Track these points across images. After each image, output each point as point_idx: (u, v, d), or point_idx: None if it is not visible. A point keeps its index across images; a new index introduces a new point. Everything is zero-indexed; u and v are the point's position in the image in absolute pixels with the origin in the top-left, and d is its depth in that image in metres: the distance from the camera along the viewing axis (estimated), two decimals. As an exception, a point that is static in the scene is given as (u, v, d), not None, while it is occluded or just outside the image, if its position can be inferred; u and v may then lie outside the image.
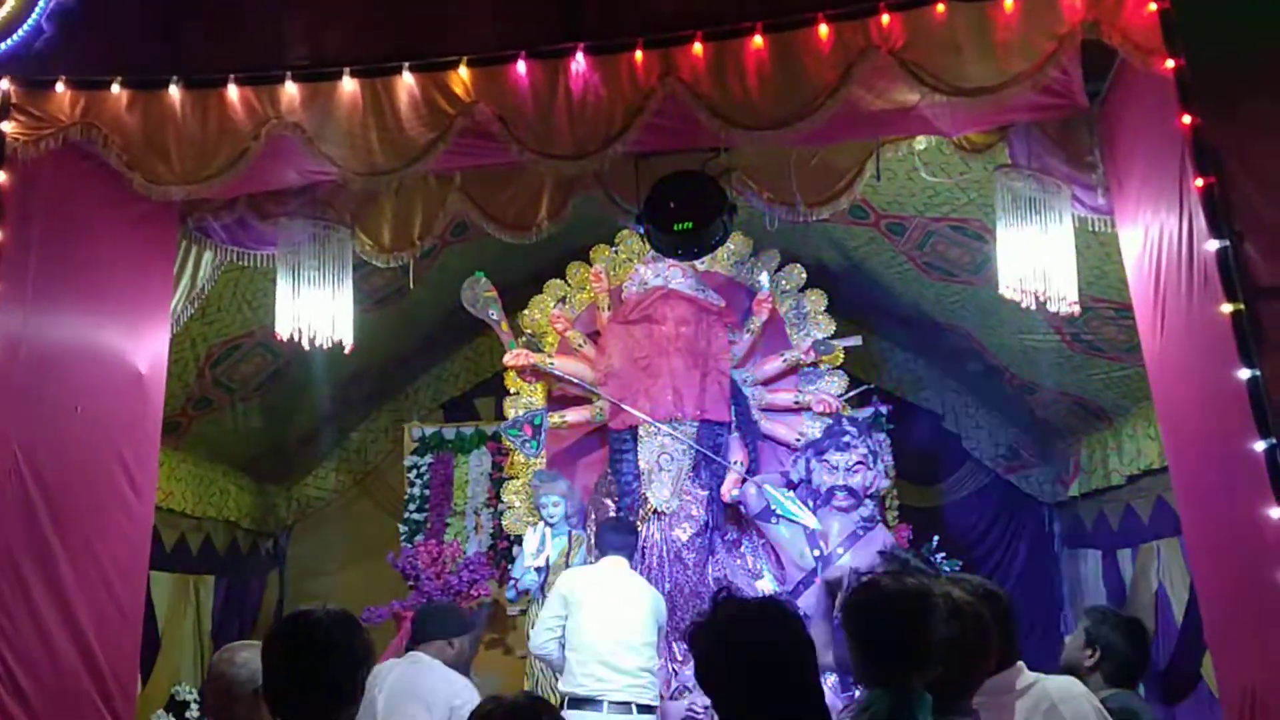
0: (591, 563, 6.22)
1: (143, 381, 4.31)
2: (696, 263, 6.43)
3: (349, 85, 3.87)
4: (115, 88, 3.95)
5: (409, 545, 6.88)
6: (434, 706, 4.16)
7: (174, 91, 3.95)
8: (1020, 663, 3.05)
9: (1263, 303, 3.20)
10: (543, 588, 6.12)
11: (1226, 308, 3.18)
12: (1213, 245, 3.23)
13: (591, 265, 6.79)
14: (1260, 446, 3.07)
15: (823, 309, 6.67)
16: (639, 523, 6.11)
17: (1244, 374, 3.12)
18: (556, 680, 5.55)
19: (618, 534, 5.63)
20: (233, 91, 3.93)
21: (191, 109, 3.95)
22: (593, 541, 5.98)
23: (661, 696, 5.80)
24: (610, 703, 5.10)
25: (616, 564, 5.47)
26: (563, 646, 5.31)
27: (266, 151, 3.92)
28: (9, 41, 3.97)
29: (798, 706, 2.32)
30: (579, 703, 5.11)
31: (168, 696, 6.06)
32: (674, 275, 6.41)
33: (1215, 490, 3.42)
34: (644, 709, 5.18)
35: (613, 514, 6.01)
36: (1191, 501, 3.68)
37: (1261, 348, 3.15)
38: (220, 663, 3.44)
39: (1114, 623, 3.91)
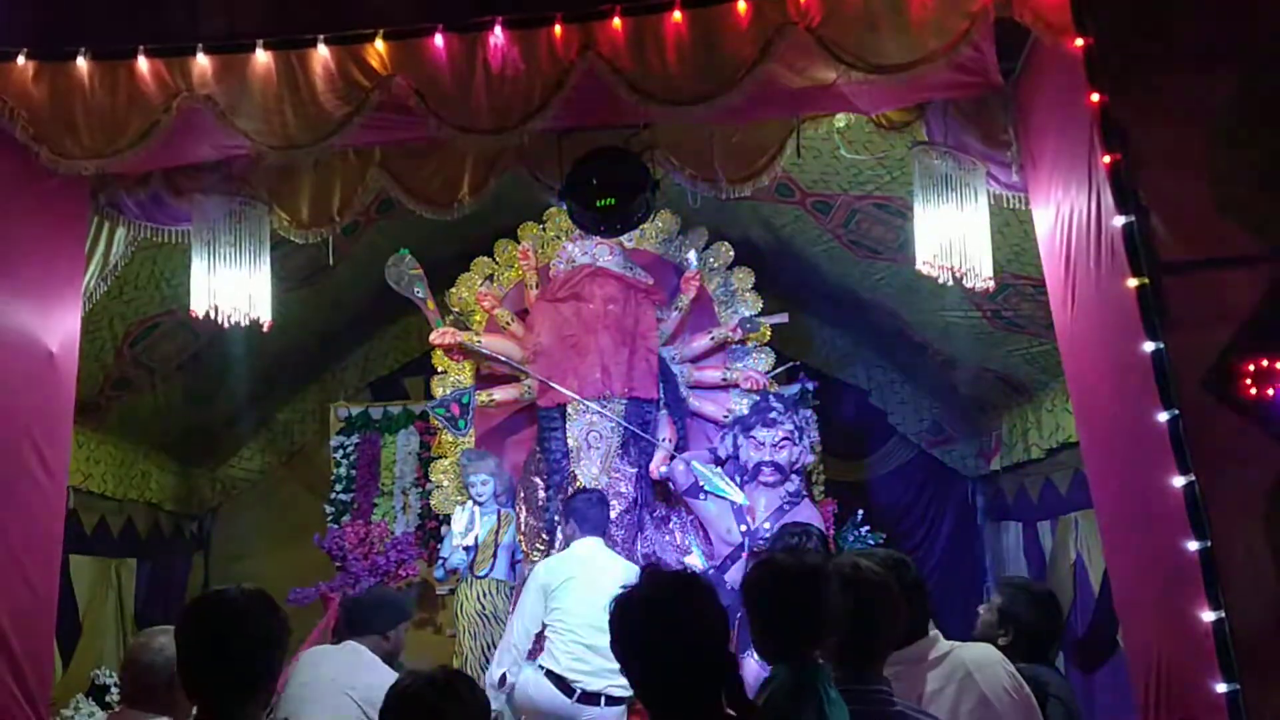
0: (521, 541, 6.23)
1: (53, 360, 4.21)
2: (624, 240, 6.44)
3: (262, 58, 3.79)
4: (20, 60, 3.83)
5: (336, 526, 6.81)
6: (369, 705, 4.12)
7: (82, 63, 3.84)
8: (935, 632, 3.11)
9: (1167, 277, 3.26)
10: (471, 566, 6.11)
11: (1132, 282, 3.24)
12: (1119, 221, 3.28)
13: (519, 243, 6.76)
14: (1164, 417, 3.14)
15: (750, 286, 6.71)
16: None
17: (1149, 347, 3.19)
18: (488, 661, 5.56)
19: (595, 508, 5.60)
20: (143, 64, 3.82)
21: (100, 81, 3.84)
22: (560, 516, 5.91)
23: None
24: (583, 692, 5.10)
25: (593, 545, 5.46)
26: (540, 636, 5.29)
27: (178, 125, 3.83)
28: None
29: (714, 677, 2.35)
30: (555, 678, 5.14)
31: (89, 681, 5.96)
32: (602, 253, 6.41)
33: (1122, 461, 3.50)
34: (612, 701, 5.16)
35: (577, 491, 5.92)
36: (1100, 472, 3.77)
37: (1165, 321, 3.21)
38: (137, 648, 3.42)
39: (1027, 599, 3.99)
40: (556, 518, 6.13)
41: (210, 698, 2.53)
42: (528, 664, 5.26)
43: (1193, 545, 3.06)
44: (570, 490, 6.14)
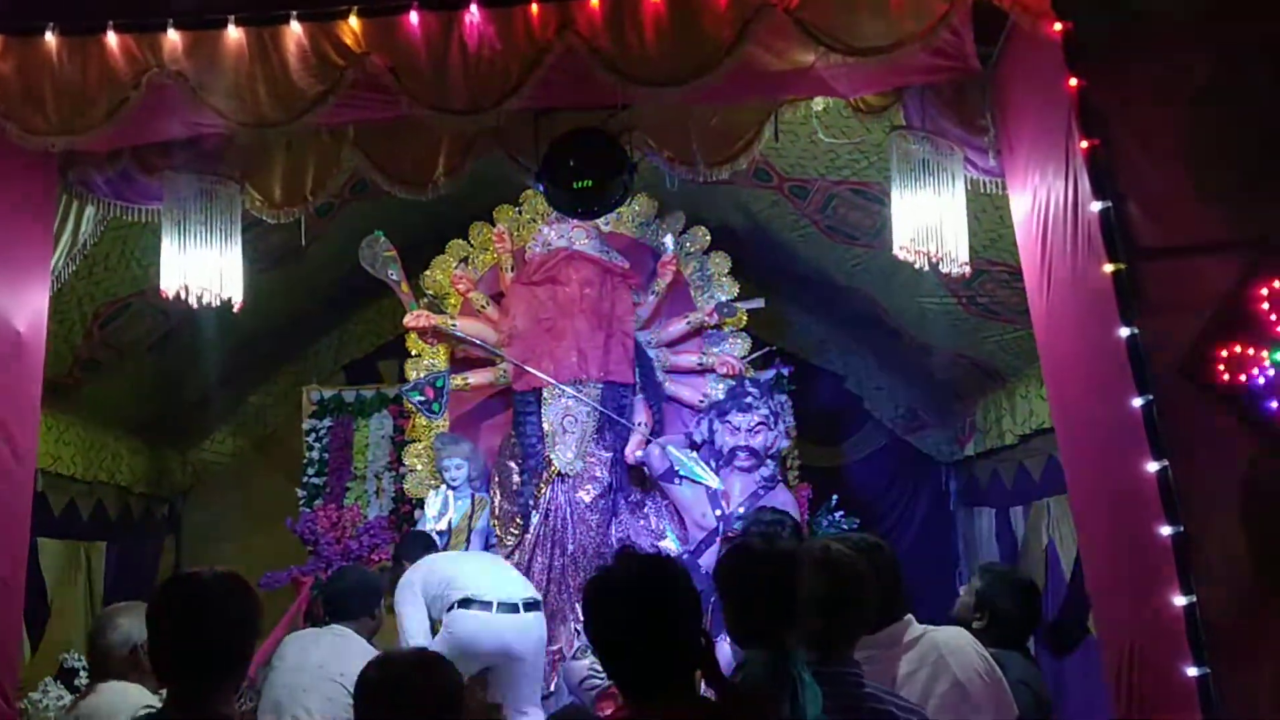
0: (495, 526, 6.22)
1: (21, 341, 4.14)
2: (601, 224, 6.42)
3: (234, 34, 3.73)
4: (-13, 35, 3.78)
5: (308, 510, 6.77)
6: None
7: (50, 38, 3.78)
8: (909, 615, 3.12)
9: (1143, 263, 3.27)
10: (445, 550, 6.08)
11: (1108, 268, 3.25)
12: (1096, 207, 3.29)
13: (495, 225, 6.72)
14: (1138, 403, 3.16)
15: (727, 271, 6.71)
16: (543, 485, 6.11)
17: (1124, 332, 3.20)
18: None
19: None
20: (112, 39, 3.76)
21: (69, 56, 3.78)
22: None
23: (563, 656, 5.84)
24: (501, 602, 5.09)
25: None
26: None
27: (148, 101, 3.77)
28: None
29: (688, 657, 2.34)
30: (467, 602, 5.10)
31: (57, 664, 5.90)
32: (578, 236, 6.39)
33: (1096, 445, 3.51)
34: (530, 605, 5.22)
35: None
36: (1074, 457, 3.78)
37: (1141, 307, 3.22)
38: (97, 630, 3.48)
39: (1007, 586, 4.00)
40: (531, 502, 6.12)
41: (181, 680, 2.51)
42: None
43: (1165, 530, 3.07)
44: (545, 474, 6.13)
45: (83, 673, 5.75)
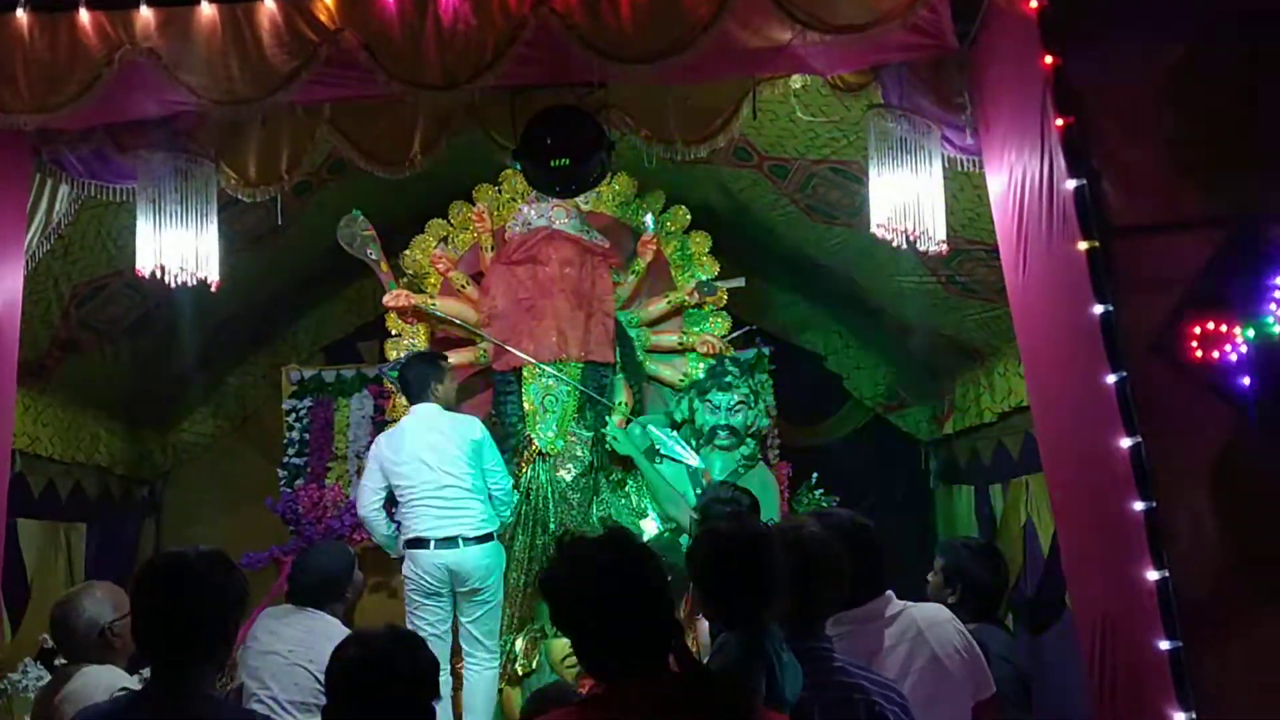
0: None
1: (-5, 321, 4.13)
2: (581, 203, 6.39)
3: (207, 10, 3.72)
4: (-42, 11, 3.75)
5: (289, 490, 6.75)
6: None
7: (21, 15, 3.76)
8: (889, 591, 3.14)
9: (1117, 241, 3.30)
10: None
11: (1083, 245, 3.28)
12: (1071, 184, 3.32)
13: (475, 205, 6.68)
14: (1111, 379, 3.19)
15: (707, 251, 6.69)
16: (523, 464, 6.11)
17: (1098, 310, 3.23)
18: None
19: (413, 369, 5.79)
20: (84, 15, 3.75)
21: (40, 33, 3.76)
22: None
23: (544, 633, 5.86)
24: (436, 540, 5.42)
25: (422, 411, 5.64)
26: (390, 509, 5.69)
27: (121, 79, 3.76)
28: None
29: (654, 636, 2.35)
30: (413, 543, 5.50)
31: (37, 645, 5.88)
32: (558, 215, 6.36)
33: (1071, 421, 3.54)
34: (471, 540, 5.45)
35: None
36: (1049, 434, 3.81)
37: (1115, 284, 3.26)
38: (59, 614, 3.52)
39: (968, 554, 4.05)
40: (512, 481, 6.11)
41: (165, 659, 2.52)
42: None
43: (1138, 506, 3.11)
44: (525, 454, 6.12)
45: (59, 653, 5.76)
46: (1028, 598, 5.91)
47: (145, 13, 3.74)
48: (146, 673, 4.75)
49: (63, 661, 3.82)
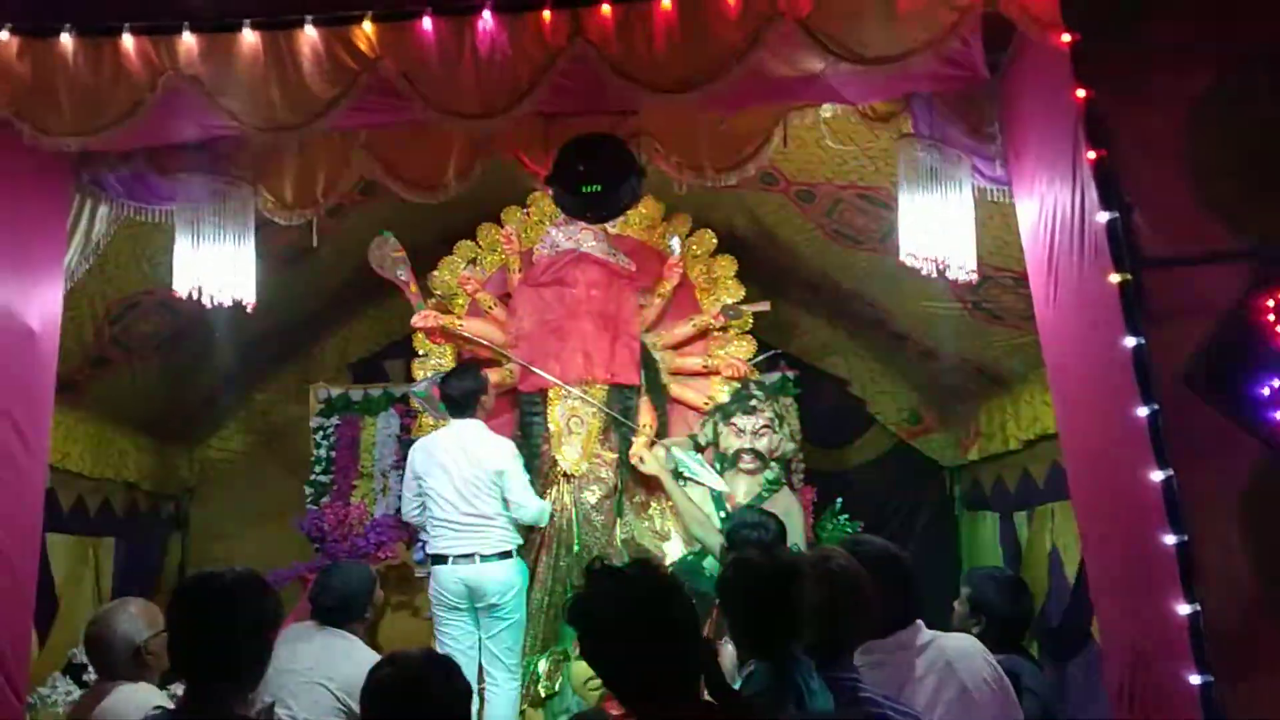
0: None
1: (35, 338, 4.18)
2: (608, 226, 6.43)
3: (249, 37, 3.77)
4: (3, 34, 3.80)
5: (315, 507, 6.80)
6: (350, 696, 4.11)
7: (66, 39, 3.81)
8: (919, 621, 3.15)
9: (1148, 273, 3.29)
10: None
11: (1115, 278, 3.27)
12: (1103, 217, 3.31)
13: (503, 227, 6.74)
14: (1143, 412, 3.18)
15: (732, 274, 6.72)
16: (548, 485, 6.13)
17: (1129, 342, 3.22)
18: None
19: (447, 385, 5.90)
20: (128, 41, 3.80)
21: (84, 58, 3.81)
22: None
23: (568, 656, 5.87)
24: (454, 556, 5.59)
25: (462, 429, 5.76)
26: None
27: (163, 104, 3.81)
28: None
29: (679, 670, 2.37)
30: (435, 559, 5.70)
31: (65, 660, 5.93)
32: (586, 238, 6.40)
33: (1101, 454, 3.54)
34: (490, 557, 5.58)
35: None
36: (1079, 465, 3.80)
37: (1146, 317, 3.25)
38: (95, 630, 3.53)
39: (993, 584, 4.05)
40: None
41: (200, 679, 2.54)
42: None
43: (1169, 539, 3.09)
44: (550, 475, 6.15)
45: (91, 669, 5.80)
46: (1052, 627, 5.88)
47: (188, 38, 3.79)
48: (176, 689, 4.82)
49: (95, 678, 3.86)
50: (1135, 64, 3.48)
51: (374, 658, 4.18)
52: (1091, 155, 3.36)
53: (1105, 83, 3.42)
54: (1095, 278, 3.37)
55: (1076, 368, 3.67)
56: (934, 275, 4.33)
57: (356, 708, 3.99)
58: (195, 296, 4.37)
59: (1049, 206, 3.68)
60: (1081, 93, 3.40)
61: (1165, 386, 3.20)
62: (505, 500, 5.67)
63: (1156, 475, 3.14)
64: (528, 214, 6.79)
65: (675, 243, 6.65)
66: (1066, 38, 3.45)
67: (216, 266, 4.35)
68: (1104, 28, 3.47)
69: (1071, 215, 3.49)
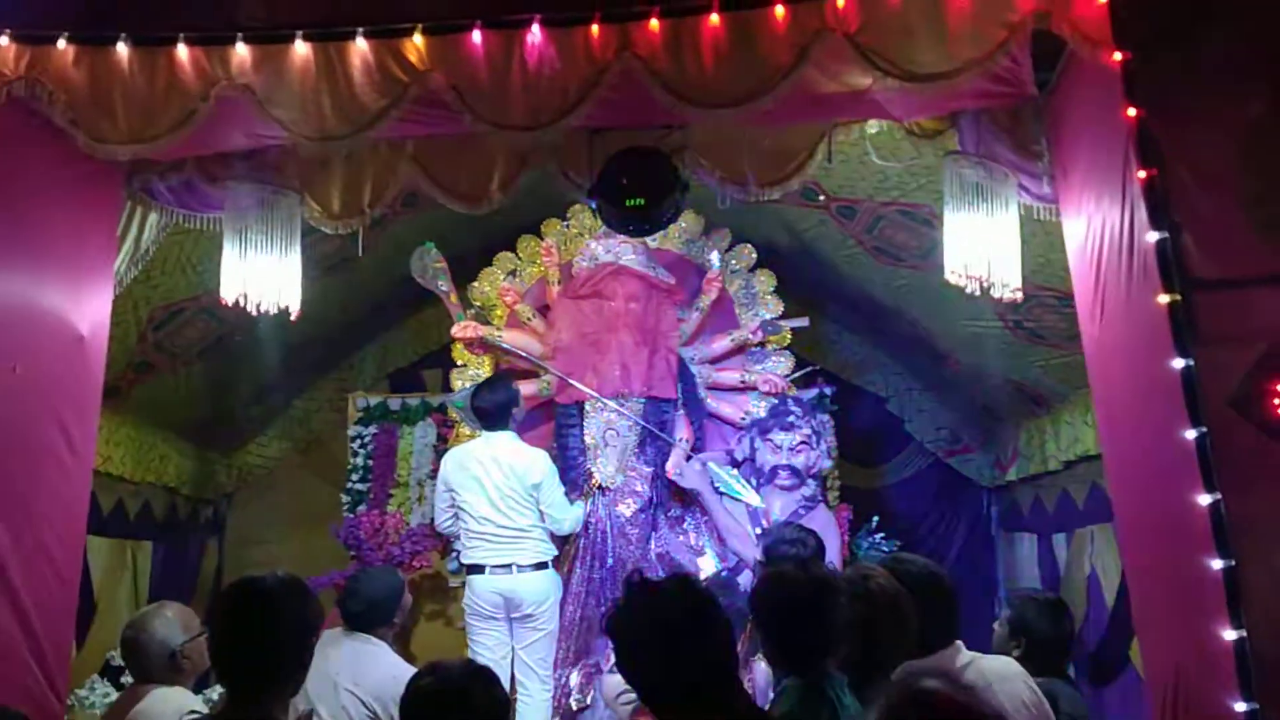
0: None
1: (84, 343, 4.24)
2: (648, 240, 6.44)
3: (301, 49, 3.82)
4: (61, 43, 3.88)
5: (351, 515, 6.83)
6: (377, 702, 4.12)
7: (122, 49, 3.88)
8: (959, 642, 3.13)
9: (1198, 294, 3.27)
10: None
11: (1164, 298, 3.25)
12: (1153, 237, 3.29)
13: (542, 239, 6.76)
14: (1191, 435, 3.15)
15: (771, 290, 6.71)
16: (583, 497, 6.13)
17: (1178, 363, 3.20)
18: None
19: (478, 398, 5.89)
20: (182, 51, 3.86)
21: (139, 67, 3.88)
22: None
23: (599, 669, 5.86)
24: (491, 566, 5.58)
25: (495, 441, 5.76)
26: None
27: (215, 113, 3.87)
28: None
29: (715, 686, 2.36)
30: (471, 568, 5.68)
31: (103, 662, 5.98)
32: (625, 251, 6.41)
33: (1147, 476, 3.50)
34: (526, 568, 5.59)
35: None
36: (1123, 486, 3.77)
37: (1196, 338, 3.22)
38: (131, 638, 3.52)
39: (1035, 607, 4.01)
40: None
41: (241, 683, 2.55)
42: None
43: (1216, 564, 3.06)
44: (585, 487, 6.15)
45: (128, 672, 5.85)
46: (1090, 651, 5.82)
47: (241, 50, 3.85)
48: (211, 694, 4.85)
49: (130, 681, 3.88)
50: (1188, 83, 3.46)
51: (401, 664, 4.22)
52: (1142, 174, 3.34)
53: (1157, 102, 3.41)
54: (1144, 298, 3.35)
55: (1123, 389, 3.64)
56: (978, 293, 4.31)
57: (382, 713, 4.03)
58: (241, 304, 4.41)
59: (1097, 226, 3.66)
60: (1132, 111, 3.39)
61: (1213, 409, 3.17)
62: (541, 512, 5.68)
63: (1204, 499, 3.11)
64: (568, 227, 6.82)
65: (715, 257, 6.65)
66: (1118, 56, 3.43)
67: (263, 274, 4.39)
68: (1156, 46, 3.46)
69: (1120, 235, 3.47)
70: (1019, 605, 4.16)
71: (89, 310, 4.28)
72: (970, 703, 2.19)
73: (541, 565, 5.64)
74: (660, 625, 2.37)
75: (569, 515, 5.82)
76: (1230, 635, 3.03)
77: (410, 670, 4.10)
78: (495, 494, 5.61)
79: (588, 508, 6.11)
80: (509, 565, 5.58)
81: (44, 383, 4.04)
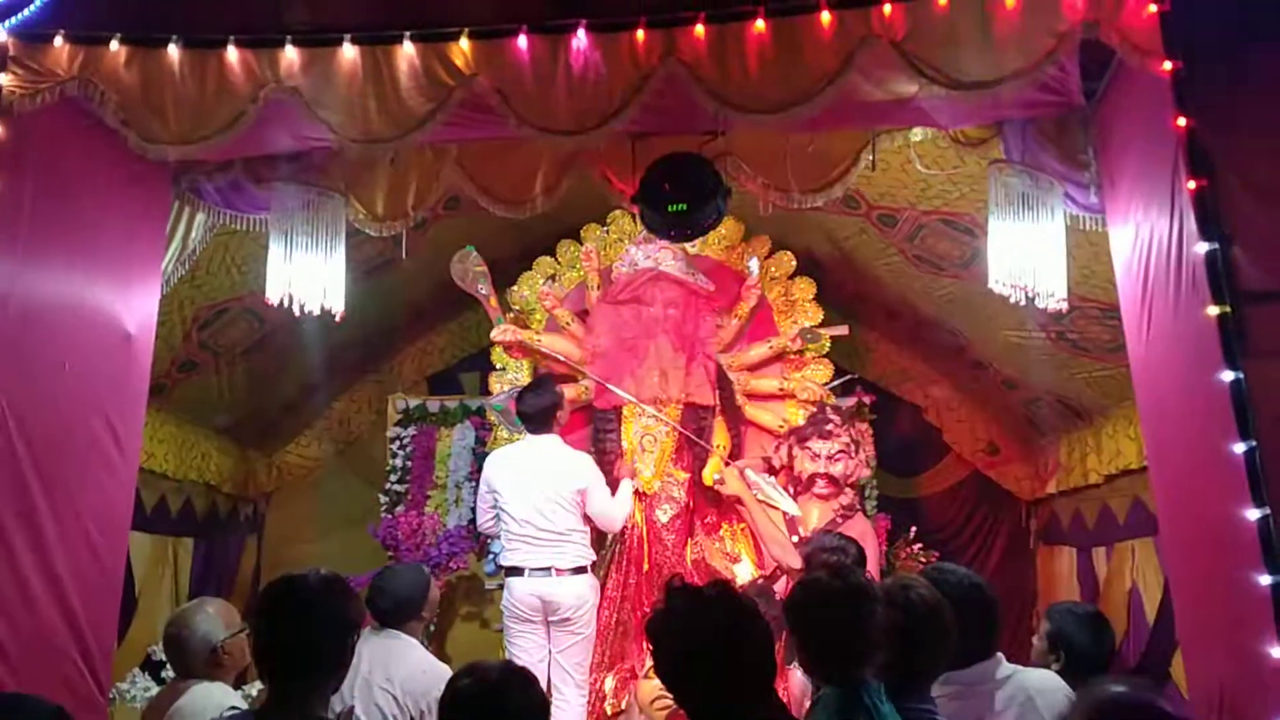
0: None
1: (131, 341, 4.30)
2: (687, 246, 6.44)
3: (349, 52, 3.87)
4: (114, 44, 3.94)
5: (389, 516, 6.88)
6: (407, 696, 4.13)
7: (173, 51, 3.95)
8: (999, 654, 3.10)
9: (1249, 306, 3.23)
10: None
11: (1213, 310, 3.22)
12: (1202, 248, 3.26)
13: (582, 244, 6.78)
14: (1240, 448, 3.11)
15: (810, 297, 6.68)
16: (629, 476, 6.13)
17: (1227, 376, 3.16)
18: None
19: (522, 401, 5.85)
20: (232, 53, 3.92)
21: (190, 69, 3.94)
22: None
23: (634, 674, 5.86)
24: (531, 569, 5.57)
25: (539, 444, 5.74)
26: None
27: (263, 115, 3.92)
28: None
29: (752, 693, 2.35)
30: (511, 570, 5.65)
31: (143, 656, 6.05)
32: (665, 257, 6.41)
33: (1194, 490, 3.46)
34: (566, 572, 5.57)
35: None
36: (1170, 500, 3.72)
37: (1245, 351, 3.18)
38: (174, 634, 3.55)
39: (1074, 619, 3.95)
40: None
41: (282, 680, 2.56)
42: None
43: (1264, 579, 3.02)
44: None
45: (169, 666, 5.91)
46: (1131, 666, 5.74)
47: (290, 52, 3.89)
48: (250, 690, 4.88)
49: (172, 675, 3.91)
50: (1239, 93, 3.43)
51: (431, 659, 4.22)
52: (1191, 185, 3.31)
53: (1207, 112, 3.37)
54: (1192, 310, 3.31)
55: (1170, 402, 3.60)
56: (1022, 303, 4.27)
57: (413, 708, 4.03)
58: (285, 304, 4.45)
59: (1145, 236, 3.62)
60: (1182, 121, 3.35)
61: (1263, 423, 3.13)
62: (584, 515, 5.68)
63: (1252, 514, 3.07)
64: (607, 232, 6.83)
65: (754, 264, 6.63)
66: (1168, 65, 3.41)
67: (307, 275, 4.44)
68: (1207, 56, 3.43)
69: (1169, 246, 3.43)
70: (1058, 618, 4.10)
71: (137, 309, 4.34)
72: (1163, 704, 2.37)
73: (581, 570, 5.64)
74: (700, 630, 2.37)
75: (619, 514, 5.82)
76: (1277, 652, 2.98)
77: (440, 665, 4.15)
78: (538, 498, 5.61)
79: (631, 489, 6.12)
80: (548, 569, 5.56)
81: (92, 380, 4.10)
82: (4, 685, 3.56)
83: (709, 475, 6.18)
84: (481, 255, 6.43)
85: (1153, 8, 3.47)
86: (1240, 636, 3.13)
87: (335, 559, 6.77)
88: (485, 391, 6.81)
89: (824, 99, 3.75)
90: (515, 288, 6.75)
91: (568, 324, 6.60)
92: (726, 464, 6.21)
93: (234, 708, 3.28)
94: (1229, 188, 3.33)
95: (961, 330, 6.73)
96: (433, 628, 6.73)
